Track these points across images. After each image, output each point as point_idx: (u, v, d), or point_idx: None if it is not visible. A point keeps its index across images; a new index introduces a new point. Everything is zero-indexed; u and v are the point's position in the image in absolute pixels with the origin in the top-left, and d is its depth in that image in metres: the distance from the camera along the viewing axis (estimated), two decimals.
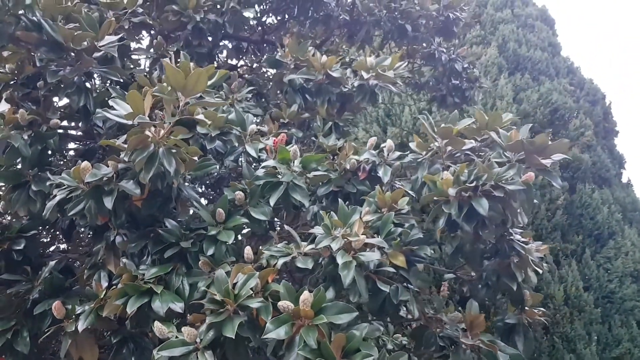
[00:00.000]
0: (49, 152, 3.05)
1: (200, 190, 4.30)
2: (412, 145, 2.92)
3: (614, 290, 7.51)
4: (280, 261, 2.37)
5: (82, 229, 3.25)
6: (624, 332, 7.19)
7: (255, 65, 5.24)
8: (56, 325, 2.72)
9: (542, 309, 2.86)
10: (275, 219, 3.40)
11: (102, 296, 2.63)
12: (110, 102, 2.49)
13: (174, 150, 2.42)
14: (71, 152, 3.79)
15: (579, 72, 10.42)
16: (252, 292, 2.23)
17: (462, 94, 5.15)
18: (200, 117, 2.48)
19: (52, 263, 3.18)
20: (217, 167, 2.81)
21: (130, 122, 2.33)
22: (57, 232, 3.85)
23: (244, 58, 5.42)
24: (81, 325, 2.54)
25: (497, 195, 2.24)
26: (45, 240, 3.90)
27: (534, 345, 2.72)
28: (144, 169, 2.34)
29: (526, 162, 2.49)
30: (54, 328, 2.70)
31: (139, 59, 3.89)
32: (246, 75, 5.33)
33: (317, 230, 2.37)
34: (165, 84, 2.37)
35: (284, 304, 2.13)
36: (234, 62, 5.41)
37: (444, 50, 5.09)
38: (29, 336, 2.95)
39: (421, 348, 2.51)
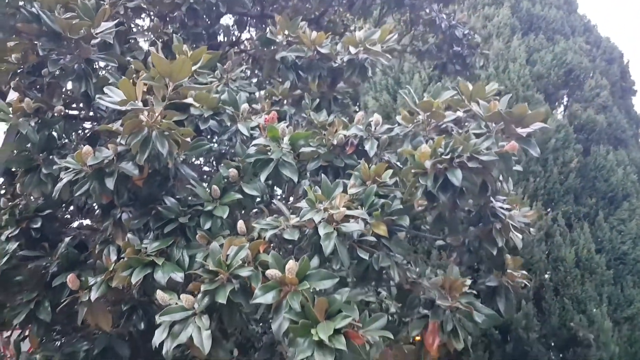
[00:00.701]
0: (56, 137, 3.25)
1: (206, 169, 4.48)
2: (399, 118, 3.02)
3: (627, 251, 7.53)
4: (269, 233, 2.53)
5: (95, 207, 3.48)
6: (636, 293, 7.24)
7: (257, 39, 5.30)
8: (72, 295, 2.96)
9: (523, 271, 2.98)
10: (276, 192, 3.57)
11: (111, 269, 2.85)
12: (105, 90, 2.65)
13: (166, 133, 2.58)
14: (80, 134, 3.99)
15: (596, 30, 10.15)
16: (243, 262, 2.41)
17: (463, 60, 5.17)
18: (190, 100, 2.62)
19: (68, 239, 3.42)
20: (211, 146, 2.96)
21: (124, 108, 2.49)
22: (71, 210, 4.09)
23: (249, 31, 5.50)
24: (93, 295, 2.77)
25: (471, 166, 2.34)
26: (62, 217, 4.14)
27: (515, 306, 2.86)
28: (140, 152, 2.51)
29: (505, 132, 2.58)
30: (70, 298, 2.94)
31: (139, 42, 4.03)
32: (251, 50, 5.43)
33: (303, 204, 2.52)
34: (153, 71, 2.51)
35: (272, 272, 2.30)
36: (237, 35, 5.48)
37: (444, 17, 5.09)
38: (50, 306, 3.22)
39: (405, 310, 2.68)
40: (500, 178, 2.66)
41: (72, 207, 4.17)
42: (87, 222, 4.35)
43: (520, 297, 6.84)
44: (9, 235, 3.43)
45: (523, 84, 8.46)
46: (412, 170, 2.48)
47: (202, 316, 2.33)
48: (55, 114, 3.22)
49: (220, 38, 5.06)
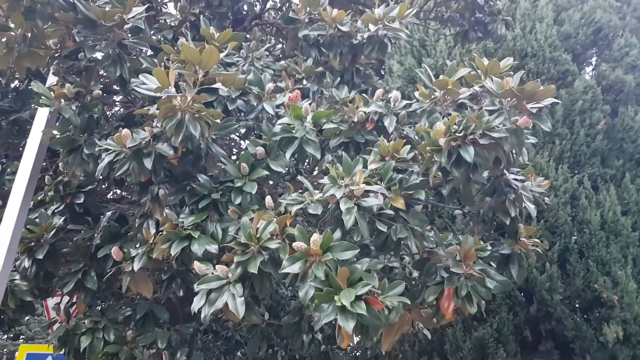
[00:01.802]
0: (95, 118, 3.48)
1: (238, 140, 4.67)
2: (417, 94, 3.14)
3: None
4: (295, 208, 2.73)
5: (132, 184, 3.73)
6: None
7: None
8: (116, 266, 3.24)
9: (536, 239, 3.12)
10: (301, 167, 3.75)
11: (151, 241, 3.11)
12: (140, 77, 2.85)
13: (197, 116, 2.77)
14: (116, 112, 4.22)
15: None
16: (271, 235, 2.63)
17: (485, 27, 5.16)
18: (218, 85, 2.79)
19: (109, 213, 3.71)
20: (238, 126, 3.14)
21: (159, 95, 2.69)
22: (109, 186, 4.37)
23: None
24: (136, 266, 3.04)
25: (483, 142, 2.47)
26: (101, 192, 4.43)
27: (527, 272, 3.01)
28: (174, 134, 2.71)
29: (517, 108, 2.68)
30: (114, 269, 3.23)
31: (169, 23, 4.19)
32: (275, 21, 5.52)
33: (325, 180, 2.70)
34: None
35: (298, 244, 2.51)
36: (262, 7, 5.57)
37: None
38: (95, 275, 3.52)
39: (423, 277, 2.87)
40: (514, 151, 2.78)
41: (110, 181, 4.46)
42: (124, 194, 4.61)
43: (543, 258, 6.93)
44: (55, 210, 3.73)
45: (550, 44, 8.31)
46: (427, 147, 2.62)
47: (236, 284, 2.57)
48: (94, 98, 3.44)
49: (245, 9, 5.15)
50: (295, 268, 2.45)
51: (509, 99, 2.70)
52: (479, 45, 8.17)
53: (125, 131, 2.90)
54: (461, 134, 2.49)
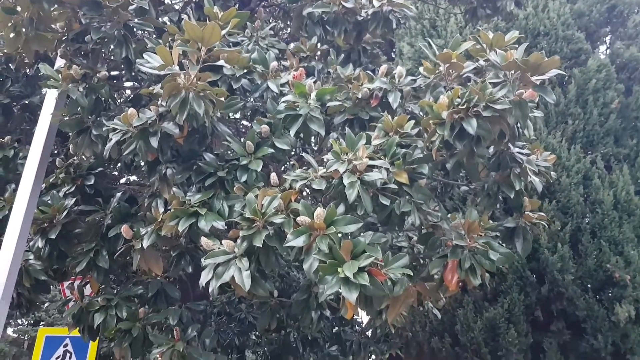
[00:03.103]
0: (103, 100, 3.52)
1: (245, 123, 4.70)
2: (421, 69, 3.13)
3: None
4: (299, 184, 2.76)
5: (141, 164, 3.78)
6: None
7: None
8: (127, 244, 3.30)
9: (541, 213, 3.11)
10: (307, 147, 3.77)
11: (160, 219, 3.16)
12: (145, 56, 2.88)
13: (202, 94, 2.80)
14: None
15: None
16: (276, 210, 2.66)
17: (494, 4, 5.10)
18: (222, 62, 2.81)
19: (119, 194, 3.77)
20: (244, 104, 3.17)
21: (162, 73, 2.71)
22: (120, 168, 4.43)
23: None
24: (145, 243, 3.10)
25: (486, 115, 2.47)
26: (111, 174, 4.50)
27: (531, 245, 3.01)
28: (179, 112, 2.75)
29: (521, 80, 2.67)
30: (124, 247, 3.29)
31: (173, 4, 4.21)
32: (281, 2, 5.50)
33: (329, 156, 2.72)
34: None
35: (302, 218, 2.54)
36: None
37: None
38: (107, 254, 3.60)
39: (427, 250, 2.89)
40: (518, 125, 2.77)
41: (119, 165, 4.52)
42: (134, 178, 4.68)
43: (555, 239, 6.89)
44: (66, 192, 3.80)
45: (563, 22, 8.17)
46: (431, 121, 2.62)
47: (242, 258, 2.61)
48: (101, 79, 3.48)
49: None
50: (299, 242, 2.49)
51: (513, 71, 2.69)
52: (490, 25, 8.06)
53: (131, 110, 2.93)
54: (464, 107, 2.49)
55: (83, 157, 3.95)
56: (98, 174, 3.92)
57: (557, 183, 7.11)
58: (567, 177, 7.18)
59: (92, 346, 6.28)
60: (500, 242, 2.90)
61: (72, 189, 3.86)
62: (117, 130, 3.02)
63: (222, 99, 2.95)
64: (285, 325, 4.07)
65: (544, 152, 3.18)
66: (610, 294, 6.78)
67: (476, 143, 2.59)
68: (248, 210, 2.67)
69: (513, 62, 2.62)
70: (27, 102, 4.58)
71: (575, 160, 7.30)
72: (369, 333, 7.05)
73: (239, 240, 2.65)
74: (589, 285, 6.91)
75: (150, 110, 3.00)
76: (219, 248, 2.69)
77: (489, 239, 2.72)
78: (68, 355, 6.45)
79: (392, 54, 10.18)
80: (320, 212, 2.49)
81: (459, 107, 2.50)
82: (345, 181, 2.52)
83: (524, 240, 2.98)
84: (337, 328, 7.21)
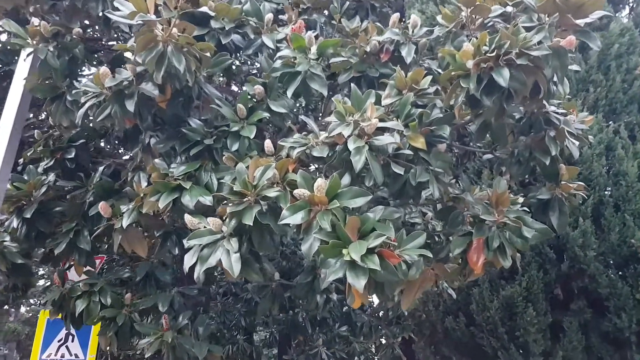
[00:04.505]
0: (78, 62, 3.13)
1: (234, 89, 4.30)
2: (439, 17, 2.69)
3: None
4: (297, 151, 2.36)
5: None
6: None
7: None
8: (107, 223, 2.95)
9: (580, 182, 2.70)
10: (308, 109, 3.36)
11: (142, 195, 2.79)
12: (115, 4, 2.47)
13: (185, 49, 2.39)
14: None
15: None
16: (271, 182, 2.28)
17: None
18: (205, 9, 2.40)
19: (101, 168, 3.40)
20: (233, 62, 2.76)
21: (134, 22, 2.31)
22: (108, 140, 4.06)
23: None
24: (125, 222, 2.74)
25: (520, 63, 2.04)
26: (98, 147, 4.12)
27: (567, 219, 2.60)
28: (155, 70, 2.35)
29: (560, 24, 2.23)
30: (104, 226, 2.93)
31: None
32: None
33: (332, 118, 2.31)
34: None
35: (300, 191, 2.15)
36: None
37: None
38: (89, 235, 3.24)
39: (447, 228, 2.49)
40: (555, 79, 2.34)
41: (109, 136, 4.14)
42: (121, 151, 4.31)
43: (576, 213, 6.53)
44: (45, 167, 3.45)
45: None
46: (453, 73, 2.20)
47: (231, 239, 2.24)
48: (75, 37, 3.08)
49: None
50: (297, 218, 2.10)
51: (549, 14, 2.25)
52: None
53: (104, 69, 2.54)
54: (493, 54, 2.06)
55: (62, 127, 3.57)
56: (80, 146, 3.55)
57: (579, 155, 6.77)
58: (589, 148, 6.81)
59: (95, 329, 6.04)
60: (532, 216, 2.50)
61: (52, 163, 3.51)
62: (90, 94, 2.64)
63: (209, 54, 2.55)
64: (286, 305, 3.74)
65: (580, 112, 2.75)
66: (634, 271, 6.46)
67: (507, 99, 2.17)
68: (238, 182, 2.29)
69: (551, 2, 2.18)
70: (6, 69, 4.21)
71: (597, 129, 6.89)
72: (381, 314, 6.78)
73: (227, 218, 2.27)
74: (611, 262, 6.52)
75: (127, 70, 2.60)
76: (205, 227, 2.31)
77: (519, 213, 2.31)
78: (70, 338, 6.19)
79: (402, 22, 9.67)
80: (321, 183, 2.10)
81: (488, 54, 2.07)
82: (351, 146, 2.12)
83: (560, 213, 2.56)
84: (346, 307, 6.94)
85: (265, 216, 2.24)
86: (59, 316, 3.48)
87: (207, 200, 2.49)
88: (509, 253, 2.24)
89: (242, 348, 7.34)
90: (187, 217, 2.37)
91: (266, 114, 2.66)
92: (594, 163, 6.76)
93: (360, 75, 2.74)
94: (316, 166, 2.59)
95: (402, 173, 2.18)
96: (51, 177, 3.40)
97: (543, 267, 6.61)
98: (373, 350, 8.98)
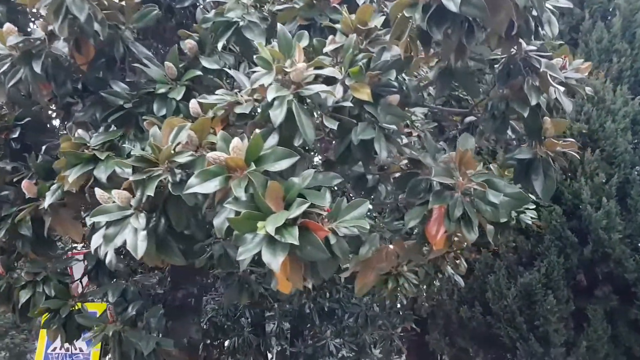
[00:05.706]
0: None
1: None
2: None
3: None
4: (222, 110, 1.98)
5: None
6: None
7: None
8: (32, 203, 2.64)
9: (570, 139, 2.23)
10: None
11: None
12: None
13: None
14: None
15: None
16: (185, 146, 1.91)
17: None
18: None
19: (44, 147, 3.09)
20: (159, 12, 2.39)
21: None
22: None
23: None
24: (47, 202, 2.43)
25: None
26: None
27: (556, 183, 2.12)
28: (53, 18, 2.00)
29: None
30: (28, 207, 2.63)
31: None
32: None
33: (257, 67, 1.93)
34: None
35: (214, 154, 1.78)
36: None
37: None
38: (31, 220, 2.95)
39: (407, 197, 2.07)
40: (535, 13, 1.90)
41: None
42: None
43: (600, 193, 6.05)
44: None
45: None
46: (400, 5, 1.78)
47: (139, 215, 1.88)
48: None
49: None
50: (209, 187, 1.72)
51: None
52: None
53: (7, 25, 2.21)
54: None
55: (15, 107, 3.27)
56: (26, 124, 3.25)
57: (602, 130, 6.34)
58: (613, 123, 6.39)
59: None
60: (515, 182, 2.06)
61: None
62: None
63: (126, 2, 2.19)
64: (253, 292, 3.38)
65: (576, 59, 2.28)
66: None
67: (468, 34, 1.74)
68: (148, 147, 1.93)
69: None
70: None
71: (622, 103, 6.46)
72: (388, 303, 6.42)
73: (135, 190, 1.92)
74: (639, 245, 6.15)
75: (38, 28, 2.27)
76: (114, 202, 1.97)
77: (490, 176, 1.87)
78: None
79: None
80: (237, 143, 1.72)
81: None
82: (270, 96, 1.73)
83: (545, 176, 2.07)
84: (355, 298, 6.61)
85: (179, 186, 1.88)
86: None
87: (126, 172, 2.14)
88: (475, 223, 1.80)
89: (248, 340, 7.07)
90: (98, 192, 2.03)
91: (198, 72, 2.29)
92: (618, 138, 6.31)
93: (308, 24, 2.34)
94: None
95: (333, 126, 1.78)
96: None
97: (564, 252, 6.19)
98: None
